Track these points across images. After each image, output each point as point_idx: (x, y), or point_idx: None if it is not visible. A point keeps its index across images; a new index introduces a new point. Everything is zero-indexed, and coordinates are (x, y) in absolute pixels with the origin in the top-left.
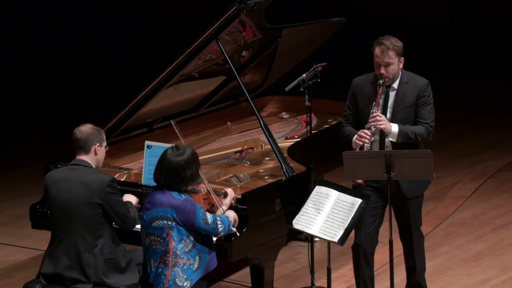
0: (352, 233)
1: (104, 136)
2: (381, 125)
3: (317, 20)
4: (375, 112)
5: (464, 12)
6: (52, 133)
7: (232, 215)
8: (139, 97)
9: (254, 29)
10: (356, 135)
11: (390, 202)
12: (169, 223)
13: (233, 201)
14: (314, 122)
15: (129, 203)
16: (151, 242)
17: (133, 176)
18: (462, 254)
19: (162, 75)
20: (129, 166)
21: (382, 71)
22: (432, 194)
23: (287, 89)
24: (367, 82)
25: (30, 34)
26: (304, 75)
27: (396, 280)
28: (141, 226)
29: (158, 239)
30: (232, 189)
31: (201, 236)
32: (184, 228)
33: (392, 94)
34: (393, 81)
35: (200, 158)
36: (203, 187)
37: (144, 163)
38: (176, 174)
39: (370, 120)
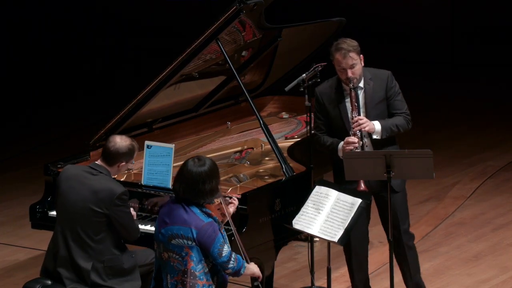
0: None
1: (135, 154)
2: (365, 127)
3: (317, 20)
4: (355, 117)
5: (464, 12)
6: (52, 133)
7: (256, 270)
8: (139, 97)
9: (254, 29)
10: (342, 143)
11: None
12: (190, 243)
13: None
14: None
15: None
16: (169, 258)
17: (133, 176)
18: (462, 254)
19: (162, 75)
20: (129, 166)
21: (349, 74)
22: (432, 194)
23: (287, 89)
24: (332, 88)
25: (30, 34)
26: (304, 75)
27: (396, 280)
28: (158, 240)
29: (177, 257)
30: (231, 189)
31: None
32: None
33: (360, 93)
34: (359, 80)
35: None
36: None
37: (144, 163)
38: (196, 186)
39: (353, 126)
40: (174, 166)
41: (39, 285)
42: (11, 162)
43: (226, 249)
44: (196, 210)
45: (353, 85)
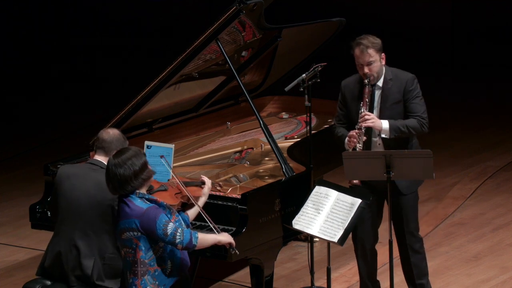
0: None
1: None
2: (370, 123)
3: (317, 20)
4: (363, 112)
5: (464, 12)
6: (52, 133)
7: (222, 238)
8: (139, 97)
9: (254, 29)
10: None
11: (387, 201)
12: (136, 233)
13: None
14: (313, 122)
15: None
16: (126, 254)
17: None
18: (462, 254)
19: (162, 75)
20: None
21: (366, 70)
22: (432, 194)
23: (287, 89)
24: (355, 82)
25: (29, 33)
26: (304, 75)
27: (396, 280)
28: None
29: (130, 250)
30: (230, 187)
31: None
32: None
33: (377, 92)
34: (378, 78)
35: (200, 158)
36: (173, 182)
37: None
38: (129, 183)
39: (359, 120)
40: (174, 166)
41: (39, 285)
42: (11, 162)
43: (171, 226)
44: (136, 200)
45: (368, 82)
